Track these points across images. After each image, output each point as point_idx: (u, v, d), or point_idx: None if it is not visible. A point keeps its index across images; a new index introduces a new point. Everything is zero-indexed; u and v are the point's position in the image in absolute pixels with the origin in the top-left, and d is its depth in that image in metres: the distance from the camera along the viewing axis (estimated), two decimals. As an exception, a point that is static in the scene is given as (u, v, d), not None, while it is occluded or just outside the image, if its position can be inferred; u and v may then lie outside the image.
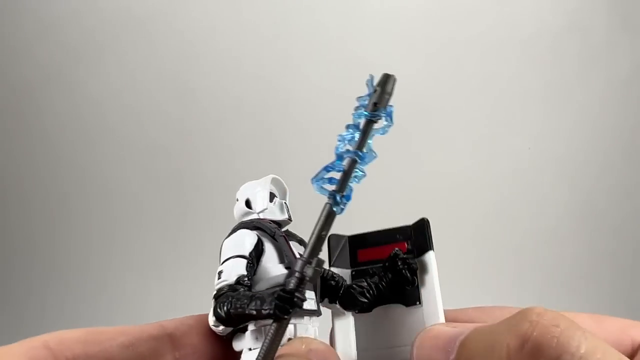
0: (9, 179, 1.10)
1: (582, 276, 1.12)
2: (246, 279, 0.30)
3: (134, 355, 0.28)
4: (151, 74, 1.11)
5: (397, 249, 0.33)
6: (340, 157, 0.27)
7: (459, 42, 1.13)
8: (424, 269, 0.33)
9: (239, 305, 0.28)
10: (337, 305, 0.34)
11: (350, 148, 0.27)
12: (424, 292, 0.33)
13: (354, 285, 0.33)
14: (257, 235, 0.32)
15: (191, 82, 1.11)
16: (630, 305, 1.09)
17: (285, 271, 0.31)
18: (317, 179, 0.27)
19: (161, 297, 1.04)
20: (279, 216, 0.35)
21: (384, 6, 1.13)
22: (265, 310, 0.27)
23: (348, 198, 0.27)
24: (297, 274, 0.27)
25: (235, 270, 0.30)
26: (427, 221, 0.34)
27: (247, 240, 0.31)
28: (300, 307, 0.26)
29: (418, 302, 0.33)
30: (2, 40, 1.10)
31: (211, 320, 0.30)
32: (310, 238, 0.27)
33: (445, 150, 1.13)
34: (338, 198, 0.27)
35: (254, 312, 0.27)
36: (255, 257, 0.31)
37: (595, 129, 1.15)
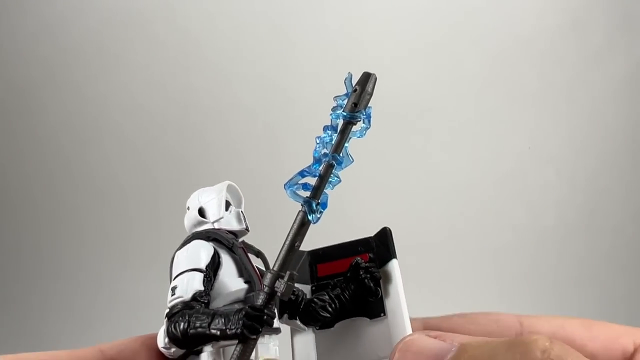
0: (8, 179, 1.09)
1: (582, 277, 1.11)
2: (204, 295, 0.27)
3: None
4: (151, 74, 1.10)
5: (358, 258, 0.32)
6: (318, 160, 0.25)
7: (459, 42, 1.13)
8: (387, 278, 0.31)
9: (198, 325, 0.25)
10: (297, 322, 0.32)
11: (327, 151, 0.25)
12: (389, 303, 0.31)
13: (314, 299, 0.31)
14: (214, 247, 0.29)
15: (191, 81, 1.11)
16: (629, 306, 1.09)
17: (245, 286, 0.28)
18: (291, 184, 0.25)
19: (158, 297, 1.03)
20: (236, 226, 0.32)
21: (384, 6, 1.12)
22: (232, 329, 0.24)
23: (324, 206, 0.25)
24: (266, 289, 0.24)
25: (190, 285, 0.27)
26: (389, 230, 0.33)
27: (202, 252, 0.29)
28: (271, 325, 0.24)
29: (382, 314, 0.31)
30: (2, 40, 1.09)
31: (161, 341, 0.27)
32: (282, 249, 0.25)
33: (444, 150, 1.13)
34: (314, 205, 0.24)
35: (217, 333, 0.24)
36: (212, 271, 0.28)
37: (595, 129, 1.15)
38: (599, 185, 1.14)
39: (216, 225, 0.31)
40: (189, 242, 0.30)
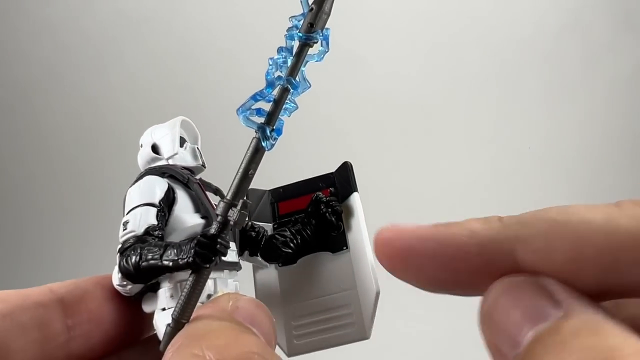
0: (8, 179, 1.10)
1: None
2: (157, 230, 0.25)
3: (14, 325, 0.23)
4: (150, 74, 1.10)
5: (319, 193, 0.31)
6: (271, 83, 0.24)
7: (459, 42, 1.13)
8: (349, 212, 0.31)
9: (150, 257, 0.24)
10: (259, 258, 0.31)
11: (282, 74, 0.24)
12: (351, 236, 0.31)
13: (276, 236, 0.30)
14: (168, 183, 0.28)
15: (190, 82, 1.11)
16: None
17: (201, 221, 0.27)
18: (244, 109, 0.24)
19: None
20: (192, 162, 0.31)
21: (383, 6, 1.13)
22: (183, 259, 0.23)
23: (279, 132, 0.24)
24: (219, 218, 0.23)
25: (143, 219, 0.26)
26: (350, 164, 0.32)
27: (156, 187, 0.27)
28: (224, 253, 0.23)
29: (345, 247, 0.31)
30: (3, 40, 1.09)
31: (115, 278, 0.25)
32: (235, 177, 0.23)
33: (444, 150, 1.13)
34: (268, 131, 0.23)
35: (169, 263, 0.23)
36: (166, 206, 0.27)
37: (596, 129, 1.15)
38: (599, 185, 1.14)
39: (170, 162, 0.30)
40: (142, 178, 0.29)
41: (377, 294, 0.30)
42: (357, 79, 1.11)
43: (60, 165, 1.10)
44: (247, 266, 0.31)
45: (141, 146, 0.31)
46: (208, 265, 0.23)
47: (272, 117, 0.24)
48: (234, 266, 0.28)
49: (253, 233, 0.30)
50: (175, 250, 0.23)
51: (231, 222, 0.23)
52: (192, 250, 0.23)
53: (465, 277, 0.20)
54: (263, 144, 0.23)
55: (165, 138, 0.31)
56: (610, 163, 1.14)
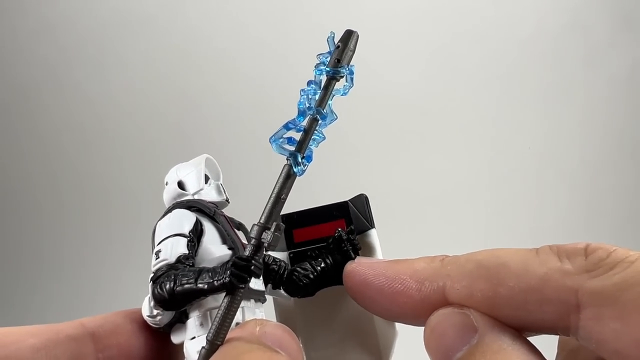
0: (7, 179, 1.09)
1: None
2: (188, 258, 0.26)
3: (48, 359, 0.24)
4: (150, 74, 1.10)
5: (339, 229, 0.31)
6: (302, 113, 0.25)
7: (459, 42, 1.13)
8: (366, 247, 0.31)
9: (184, 281, 0.24)
10: (281, 291, 0.31)
11: (312, 105, 0.26)
12: None
13: (297, 269, 0.31)
14: (195, 216, 0.29)
15: (190, 82, 1.11)
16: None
17: (228, 252, 0.28)
18: (276, 137, 0.25)
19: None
20: (216, 197, 0.32)
21: (383, 6, 1.13)
22: (219, 280, 0.23)
23: (309, 159, 0.25)
24: (253, 241, 0.24)
25: (175, 248, 0.27)
26: (366, 198, 0.33)
27: (185, 219, 0.28)
28: (259, 274, 0.24)
29: None
30: (3, 40, 1.09)
31: (146, 310, 0.26)
32: (268, 201, 0.24)
33: (444, 150, 1.13)
34: (299, 158, 0.25)
35: (205, 286, 0.24)
36: (195, 237, 0.28)
37: (596, 129, 1.15)
38: (599, 185, 1.14)
39: (196, 197, 0.31)
40: (171, 212, 0.30)
41: (396, 332, 0.31)
42: (357, 79, 1.11)
43: (59, 165, 1.10)
44: (269, 299, 0.32)
45: (166, 184, 0.32)
46: (243, 286, 0.23)
47: (302, 145, 0.25)
48: (261, 295, 0.28)
49: (275, 266, 0.31)
50: (209, 273, 0.24)
51: (265, 244, 0.24)
52: (228, 271, 0.23)
53: (410, 310, 0.23)
54: (295, 170, 0.24)
55: (190, 175, 0.32)
56: (610, 163, 1.14)
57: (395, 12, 1.12)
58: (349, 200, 0.33)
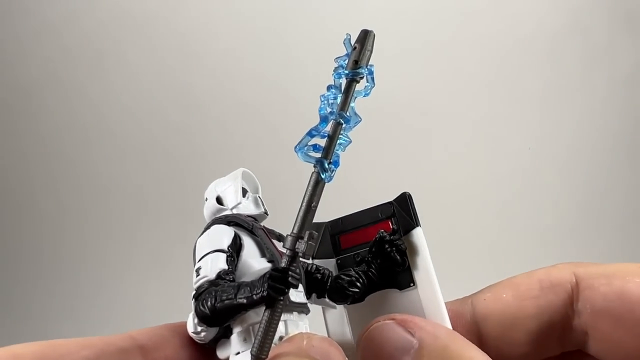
0: (8, 179, 1.10)
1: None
2: (228, 274, 0.27)
3: None
4: (151, 74, 1.10)
5: (381, 230, 0.31)
6: (324, 119, 0.25)
7: (459, 42, 1.13)
8: (412, 247, 0.31)
9: (225, 297, 0.25)
10: (327, 300, 0.31)
11: (334, 110, 0.25)
12: (417, 273, 0.30)
13: (341, 276, 0.30)
14: (234, 230, 0.29)
15: (191, 82, 1.11)
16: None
17: (268, 265, 0.28)
18: (301, 146, 0.25)
19: (161, 297, 1.03)
20: (254, 210, 0.32)
21: (383, 6, 1.13)
22: (257, 294, 0.24)
23: (336, 164, 0.25)
24: (288, 252, 0.24)
25: (214, 264, 0.27)
26: (410, 196, 0.32)
27: (223, 234, 0.28)
28: (296, 285, 0.24)
29: (412, 284, 0.30)
30: (2, 41, 1.09)
31: (191, 326, 0.27)
32: (299, 210, 0.25)
33: (445, 150, 1.13)
34: (326, 164, 0.24)
35: (244, 300, 0.24)
36: (234, 252, 0.28)
37: (596, 129, 1.15)
38: (599, 185, 1.14)
39: (235, 211, 0.31)
40: (209, 228, 0.30)
41: None
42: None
43: (60, 165, 1.10)
44: (315, 309, 0.32)
45: (206, 200, 0.33)
46: (282, 298, 0.23)
47: (328, 151, 0.25)
48: (303, 307, 0.28)
49: (319, 275, 0.31)
50: (248, 288, 0.24)
51: (300, 254, 0.24)
52: (266, 284, 0.24)
53: None
54: (322, 177, 0.24)
55: (228, 190, 0.32)
56: (609, 163, 1.14)
57: (395, 12, 1.12)
58: (394, 200, 0.32)
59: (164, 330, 0.27)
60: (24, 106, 1.10)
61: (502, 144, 1.13)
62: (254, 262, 0.28)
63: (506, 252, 1.11)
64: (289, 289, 0.24)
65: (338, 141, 0.25)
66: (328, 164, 0.25)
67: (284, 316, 0.26)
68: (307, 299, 0.30)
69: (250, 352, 0.23)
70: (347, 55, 0.27)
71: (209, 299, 0.25)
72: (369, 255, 0.31)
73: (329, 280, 0.31)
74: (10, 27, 1.09)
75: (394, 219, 0.32)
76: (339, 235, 0.33)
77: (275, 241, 0.30)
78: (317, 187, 0.25)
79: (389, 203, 0.32)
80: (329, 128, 0.25)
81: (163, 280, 1.04)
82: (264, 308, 0.24)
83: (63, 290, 1.05)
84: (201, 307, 0.25)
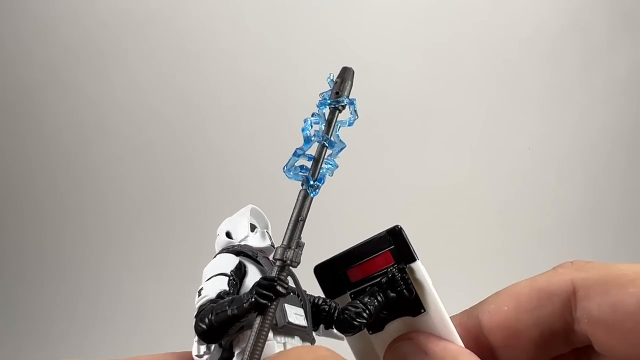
0: (8, 179, 1.10)
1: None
2: (229, 295, 0.27)
3: None
4: (150, 75, 1.11)
5: (391, 269, 0.32)
6: (307, 139, 0.27)
7: (458, 42, 1.13)
8: (415, 279, 0.32)
9: (219, 311, 0.26)
10: (334, 331, 0.32)
11: (317, 132, 0.28)
12: (425, 299, 0.32)
13: (349, 307, 0.31)
14: (240, 259, 0.30)
15: (190, 83, 1.11)
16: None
17: None
18: (289, 167, 0.27)
19: (160, 298, 1.03)
20: (262, 243, 0.33)
21: (383, 6, 1.13)
22: (246, 302, 0.25)
23: (321, 180, 0.27)
24: (278, 262, 0.25)
25: (216, 286, 0.28)
26: (402, 229, 0.33)
27: (228, 261, 0.30)
28: (283, 293, 0.25)
29: (423, 310, 0.32)
30: (2, 41, 1.09)
31: (194, 349, 0.28)
32: (289, 224, 0.26)
33: (445, 151, 1.13)
34: (312, 182, 0.26)
35: (236, 311, 0.25)
36: (237, 277, 0.29)
37: (596, 129, 1.15)
38: (598, 185, 1.14)
39: (242, 243, 0.33)
40: (216, 257, 0.31)
41: None
42: (356, 79, 1.11)
43: (60, 165, 1.10)
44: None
45: (217, 235, 0.34)
46: (269, 304, 0.25)
47: (314, 171, 0.27)
48: (304, 332, 0.29)
49: (326, 307, 0.32)
50: (239, 300, 0.26)
51: (288, 262, 0.25)
52: (254, 291, 0.25)
53: None
54: (310, 193, 0.26)
55: (237, 224, 0.34)
56: (609, 163, 1.15)
57: (394, 12, 1.13)
58: (387, 232, 0.33)
59: (169, 357, 0.28)
60: (23, 105, 1.10)
61: (502, 144, 1.14)
62: (250, 282, 0.29)
63: (506, 252, 1.11)
64: (277, 296, 0.25)
65: (324, 165, 0.27)
66: (314, 181, 0.26)
67: (283, 339, 0.27)
68: (315, 330, 0.31)
69: (243, 358, 0.24)
70: (330, 90, 0.29)
71: (207, 316, 0.26)
72: (378, 288, 0.32)
73: (336, 312, 0.32)
74: (10, 26, 1.09)
75: (392, 250, 0.33)
76: (346, 270, 0.34)
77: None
78: (305, 202, 0.26)
79: (384, 234, 0.33)
80: (313, 151, 0.27)
81: (164, 281, 1.04)
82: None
83: (64, 291, 1.06)
84: (200, 324, 0.26)
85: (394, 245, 0.33)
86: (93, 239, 1.08)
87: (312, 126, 0.28)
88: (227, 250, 0.32)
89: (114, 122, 1.10)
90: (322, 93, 0.29)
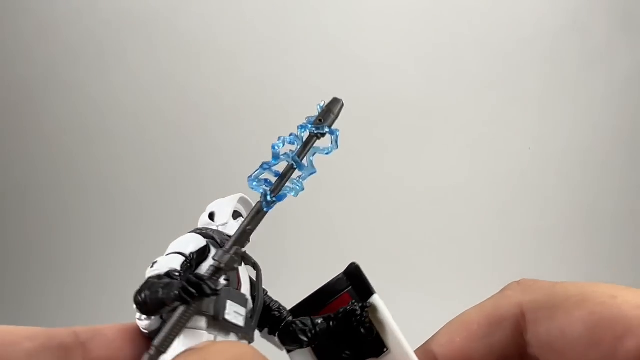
0: (8, 179, 1.10)
1: (584, 276, 1.12)
2: (177, 274, 0.27)
3: None
4: (151, 74, 1.11)
5: (353, 302, 0.32)
6: (276, 155, 0.27)
7: (458, 42, 1.13)
8: (375, 315, 0.32)
9: (154, 289, 0.26)
10: (276, 339, 0.32)
11: (287, 152, 0.28)
12: (386, 338, 0.32)
13: (297, 322, 0.32)
14: (207, 242, 0.30)
15: (191, 82, 1.11)
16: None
17: (222, 282, 0.29)
18: (253, 179, 0.27)
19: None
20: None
21: (383, 6, 1.13)
22: (172, 293, 0.25)
23: (280, 198, 0.27)
24: (214, 263, 0.26)
25: (169, 263, 0.28)
26: (358, 266, 0.33)
27: (193, 242, 0.30)
28: (207, 295, 0.25)
29: (386, 349, 0.32)
30: (2, 41, 1.09)
31: (137, 313, 0.28)
32: (237, 231, 0.27)
33: (444, 151, 1.13)
34: (269, 197, 0.27)
35: (164, 297, 0.25)
36: (195, 261, 0.29)
37: (596, 129, 1.15)
38: (599, 185, 1.14)
39: (220, 229, 0.33)
40: (186, 235, 0.31)
41: None
42: (357, 79, 1.11)
43: (61, 165, 1.10)
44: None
45: (204, 212, 0.35)
46: (192, 300, 0.25)
47: (276, 187, 0.27)
48: (238, 330, 0.29)
49: (276, 313, 0.32)
50: (170, 286, 0.26)
51: (222, 266, 0.26)
52: (180, 284, 0.25)
53: None
54: (265, 208, 0.27)
55: (222, 208, 0.34)
56: (609, 163, 1.15)
57: (394, 11, 1.13)
58: (344, 273, 0.34)
59: (110, 330, 0.27)
60: (23, 106, 1.10)
61: (502, 144, 1.14)
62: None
63: (506, 252, 1.11)
64: (200, 296, 0.25)
65: (291, 186, 0.27)
66: (271, 197, 0.27)
67: (216, 333, 0.28)
68: (260, 332, 0.31)
69: (153, 343, 0.25)
70: (315, 116, 0.29)
71: (144, 290, 0.26)
72: (334, 316, 0.32)
73: (284, 321, 0.32)
74: (11, 25, 1.09)
75: (350, 291, 0.33)
76: (310, 317, 0.34)
77: (249, 267, 0.31)
78: (257, 215, 0.27)
79: (341, 277, 0.34)
80: (281, 167, 0.28)
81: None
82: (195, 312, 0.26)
83: (62, 290, 1.06)
84: (137, 295, 0.26)
85: (351, 285, 0.33)
86: (93, 238, 1.08)
87: (284, 144, 0.28)
88: (200, 231, 0.31)
89: (114, 121, 1.10)
90: (308, 117, 0.29)
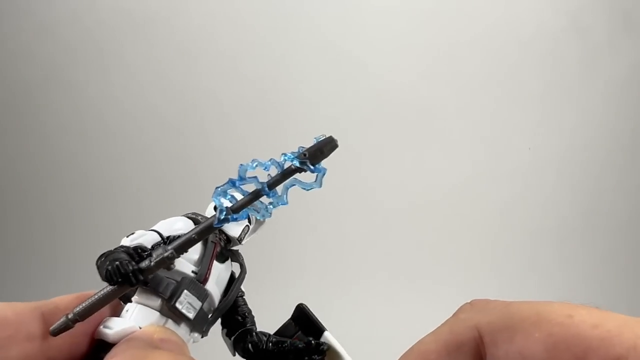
0: (8, 179, 1.10)
1: (584, 277, 1.12)
2: (144, 252, 0.28)
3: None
4: (150, 74, 1.11)
5: (311, 339, 0.33)
6: (242, 178, 0.27)
7: (459, 42, 1.13)
8: (329, 351, 0.33)
9: (106, 260, 0.27)
10: (230, 342, 0.33)
11: (256, 177, 0.27)
12: None
13: (254, 334, 0.32)
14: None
15: (190, 82, 1.11)
16: (630, 306, 1.09)
17: (190, 274, 0.29)
18: (218, 192, 0.27)
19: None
20: (231, 231, 0.33)
21: (383, 7, 1.13)
22: (104, 270, 0.26)
23: (236, 217, 0.27)
24: (154, 259, 0.26)
25: (142, 239, 0.29)
26: (304, 306, 0.34)
27: (177, 225, 0.30)
28: (131, 284, 0.26)
29: None
30: (2, 41, 1.09)
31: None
32: (183, 236, 0.27)
33: (445, 151, 1.13)
34: (224, 215, 0.26)
35: (103, 272, 0.26)
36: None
37: (596, 129, 1.15)
38: (599, 185, 1.14)
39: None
40: (179, 217, 0.32)
41: None
42: (356, 79, 1.11)
43: (61, 164, 1.10)
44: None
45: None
46: (115, 285, 0.26)
47: (239, 207, 0.27)
48: (186, 320, 0.29)
49: (240, 318, 0.32)
50: (108, 264, 0.26)
51: (152, 264, 0.26)
52: (110, 267, 0.26)
53: None
54: (214, 222, 0.26)
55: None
56: (609, 163, 1.15)
57: (394, 12, 1.13)
58: (292, 318, 0.34)
59: (67, 301, 0.28)
60: (23, 105, 1.10)
61: (502, 144, 1.14)
62: (182, 261, 0.29)
63: (506, 251, 1.11)
64: (125, 282, 0.26)
65: (258, 210, 0.27)
66: (227, 215, 0.26)
67: (166, 320, 0.28)
68: (221, 329, 0.32)
69: (74, 310, 0.25)
70: (307, 150, 0.28)
71: (102, 257, 0.27)
72: (291, 341, 0.32)
73: (243, 328, 0.32)
74: (11, 26, 1.09)
75: (300, 336, 0.33)
76: None
77: (216, 262, 0.32)
78: (207, 229, 0.27)
79: (289, 321, 0.34)
80: (250, 188, 0.27)
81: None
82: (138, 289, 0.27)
83: (62, 290, 1.05)
84: (99, 258, 0.27)
85: (300, 330, 0.33)
86: (93, 238, 1.08)
87: (255, 168, 0.27)
88: (189, 215, 0.32)
89: (113, 120, 1.10)
90: (300, 146, 0.27)
